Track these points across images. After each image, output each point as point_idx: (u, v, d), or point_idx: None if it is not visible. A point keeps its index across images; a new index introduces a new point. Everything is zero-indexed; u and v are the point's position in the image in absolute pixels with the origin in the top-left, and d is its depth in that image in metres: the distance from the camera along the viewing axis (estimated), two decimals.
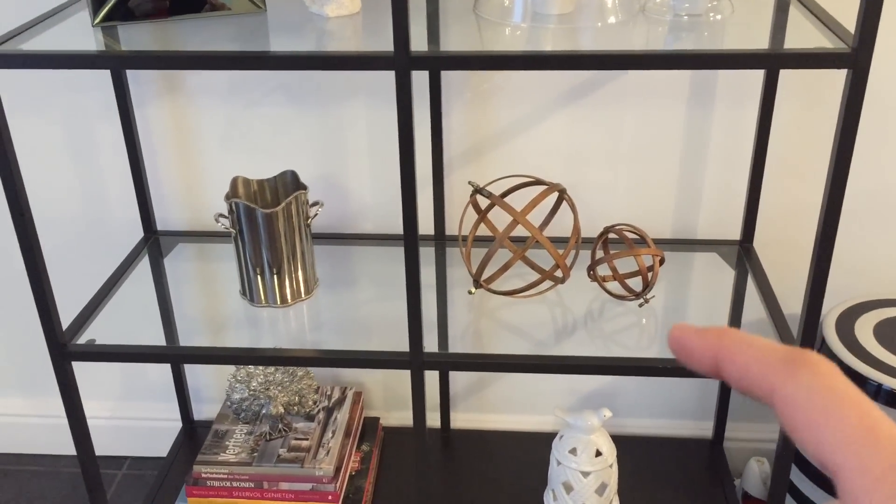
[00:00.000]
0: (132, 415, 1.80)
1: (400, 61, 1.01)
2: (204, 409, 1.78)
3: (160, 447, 1.76)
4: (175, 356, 1.36)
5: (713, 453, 1.66)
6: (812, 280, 1.11)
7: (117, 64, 1.26)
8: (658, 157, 1.46)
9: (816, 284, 1.11)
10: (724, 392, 1.63)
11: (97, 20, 1.15)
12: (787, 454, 1.22)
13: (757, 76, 1.37)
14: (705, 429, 1.70)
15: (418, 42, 1.04)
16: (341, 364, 1.29)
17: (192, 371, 1.74)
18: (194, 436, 1.74)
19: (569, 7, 1.15)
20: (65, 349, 1.25)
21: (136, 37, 1.15)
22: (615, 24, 1.15)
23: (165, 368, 1.73)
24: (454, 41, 1.15)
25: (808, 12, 1.12)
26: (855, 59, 0.97)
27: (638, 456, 1.64)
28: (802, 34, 1.07)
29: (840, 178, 1.03)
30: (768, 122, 1.36)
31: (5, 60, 1.07)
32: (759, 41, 1.11)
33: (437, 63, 1.10)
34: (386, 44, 1.04)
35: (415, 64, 1.02)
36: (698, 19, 1.13)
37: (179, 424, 1.76)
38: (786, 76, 1.35)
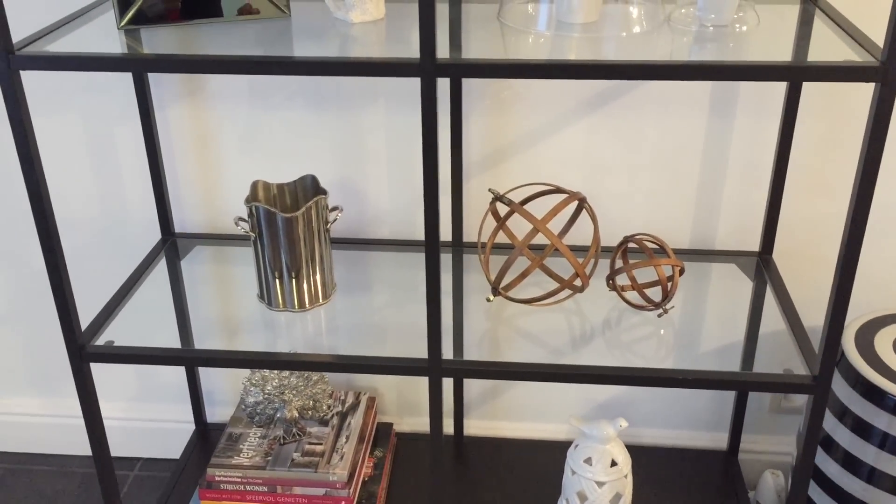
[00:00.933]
0: (145, 416, 1.80)
1: (426, 68, 1.01)
2: (217, 412, 1.78)
3: (173, 449, 1.76)
4: (192, 359, 1.36)
5: (728, 465, 1.66)
6: (835, 293, 1.10)
7: (142, 67, 1.26)
8: (678, 166, 1.46)
9: (840, 298, 1.10)
10: (740, 404, 1.62)
11: (123, 23, 1.15)
12: (806, 468, 1.21)
13: (779, 88, 1.37)
14: (720, 440, 1.69)
15: (441, 48, 1.04)
16: (359, 370, 1.29)
17: (206, 373, 1.74)
18: (207, 438, 1.74)
19: (593, 16, 1.14)
20: (83, 350, 1.25)
21: (160, 40, 1.15)
22: (640, 33, 1.15)
23: (179, 370, 1.73)
24: (477, 48, 1.15)
25: (834, 24, 1.12)
26: (885, 72, 0.96)
27: (653, 466, 1.63)
28: (829, 47, 1.07)
29: (866, 190, 1.03)
30: (790, 133, 1.36)
31: (31, 62, 1.07)
32: (785, 53, 1.10)
33: (463, 70, 1.09)
34: (409, 50, 1.04)
35: (441, 71, 1.02)
36: (724, 30, 1.12)
37: (193, 426, 1.76)
38: (807, 88, 1.35)
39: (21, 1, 1.36)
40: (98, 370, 1.54)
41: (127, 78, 1.44)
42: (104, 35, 1.17)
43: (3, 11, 1.03)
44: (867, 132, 1.00)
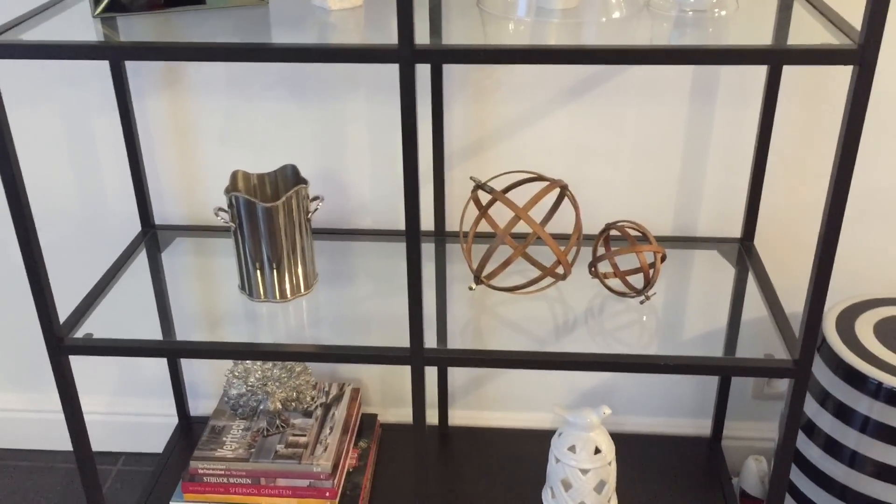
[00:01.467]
0: (128, 410, 1.79)
1: (404, 54, 1.00)
2: (200, 405, 1.77)
3: (156, 443, 1.75)
4: (173, 350, 1.35)
5: (711, 451, 1.66)
6: (815, 278, 1.10)
7: (118, 55, 1.25)
8: (660, 154, 1.46)
9: (819, 283, 1.10)
10: (723, 390, 1.62)
11: (98, 11, 1.14)
12: (787, 452, 1.22)
13: (759, 74, 1.37)
14: (704, 427, 1.70)
15: (421, 35, 1.04)
16: (341, 360, 1.28)
17: (188, 366, 1.73)
18: (190, 432, 1.73)
19: (573, 2, 1.14)
20: (62, 343, 1.24)
21: (136, 28, 1.14)
22: (619, 19, 1.14)
23: (161, 363, 1.72)
24: (457, 35, 1.14)
25: (813, 8, 1.12)
26: (862, 55, 0.96)
27: (636, 454, 1.64)
28: (807, 31, 1.07)
29: (844, 175, 1.03)
30: (770, 120, 1.36)
31: (5, 50, 1.06)
32: (764, 37, 1.10)
33: (442, 56, 1.09)
34: (388, 37, 1.03)
35: (419, 57, 1.01)
36: (703, 15, 1.12)
37: (175, 420, 1.75)
38: (787, 75, 1.35)
39: None
40: (80, 365, 1.52)
41: (104, 68, 1.43)
42: (80, 24, 1.16)
43: None
44: (845, 115, 1.00)
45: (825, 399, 1.37)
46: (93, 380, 1.75)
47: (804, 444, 1.43)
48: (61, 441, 1.77)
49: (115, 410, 1.79)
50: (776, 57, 1.07)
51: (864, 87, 0.98)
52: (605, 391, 1.70)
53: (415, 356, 1.20)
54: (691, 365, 1.20)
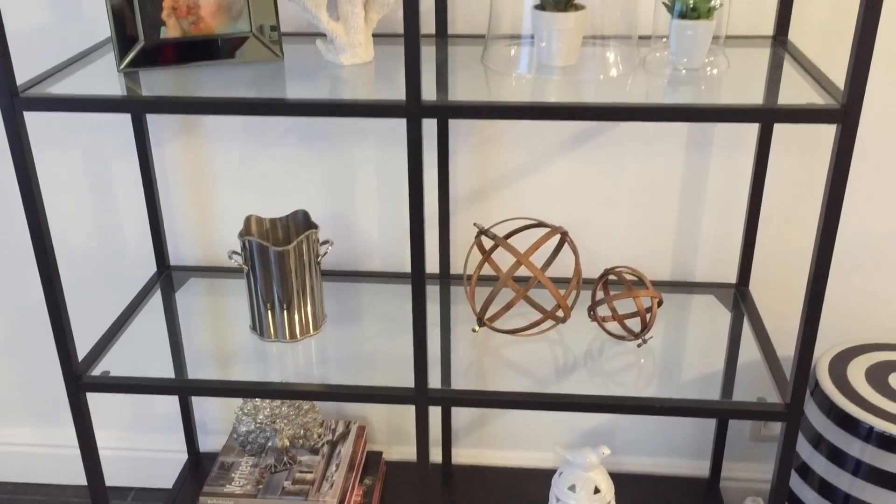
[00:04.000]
0: (139, 446, 1.83)
1: (412, 110, 1.06)
2: (209, 442, 1.81)
3: (166, 478, 1.79)
4: (186, 388, 1.39)
5: (709, 492, 1.69)
6: (804, 324, 1.15)
7: (141, 109, 1.31)
8: (657, 202, 1.51)
9: (808, 328, 1.15)
10: (721, 432, 1.66)
11: (123, 65, 1.20)
12: (781, 494, 1.25)
13: (752, 127, 1.42)
14: (702, 468, 1.73)
15: (428, 90, 1.10)
16: (348, 398, 1.33)
17: (198, 403, 1.78)
18: (200, 467, 1.76)
19: (572, 59, 1.20)
20: (80, 381, 1.28)
21: (158, 81, 1.20)
22: (617, 76, 1.20)
23: (172, 400, 1.76)
24: (462, 90, 1.20)
25: (801, 68, 1.18)
26: (844, 114, 1.02)
27: (636, 494, 1.67)
28: (795, 89, 1.13)
29: (831, 225, 1.08)
30: (763, 170, 1.41)
31: (34, 103, 1.12)
32: (753, 95, 1.16)
33: (448, 112, 1.15)
34: (397, 91, 1.09)
35: (426, 112, 1.07)
36: (696, 73, 1.18)
37: (185, 456, 1.79)
38: (779, 127, 1.40)
39: (26, 43, 1.42)
40: (93, 400, 1.56)
41: (126, 116, 1.49)
42: (104, 77, 1.22)
43: (7, 55, 1.08)
44: (830, 169, 1.05)
45: (819, 442, 1.41)
46: (105, 415, 1.79)
47: (799, 486, 1.46)
48: (74, 476, 1.82)
49: (126, 446, 1.83)
50: (764, 115, 1.13)
51: (847, 143, 1.03)
52: (605, 432, 1.73)
53: (419, 396, 1.24)
54: (686, 407, 1.24)
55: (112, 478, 1.79)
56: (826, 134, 1.41)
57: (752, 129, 1.43)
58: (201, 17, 1.22)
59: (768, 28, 1.35)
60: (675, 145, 1.46)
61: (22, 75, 1.15)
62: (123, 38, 1.19)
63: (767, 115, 1.12)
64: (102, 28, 1.41)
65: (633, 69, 1.22)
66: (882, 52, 1.32)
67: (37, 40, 1.44)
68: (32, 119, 1.50)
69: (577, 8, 1.17)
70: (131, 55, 1.20)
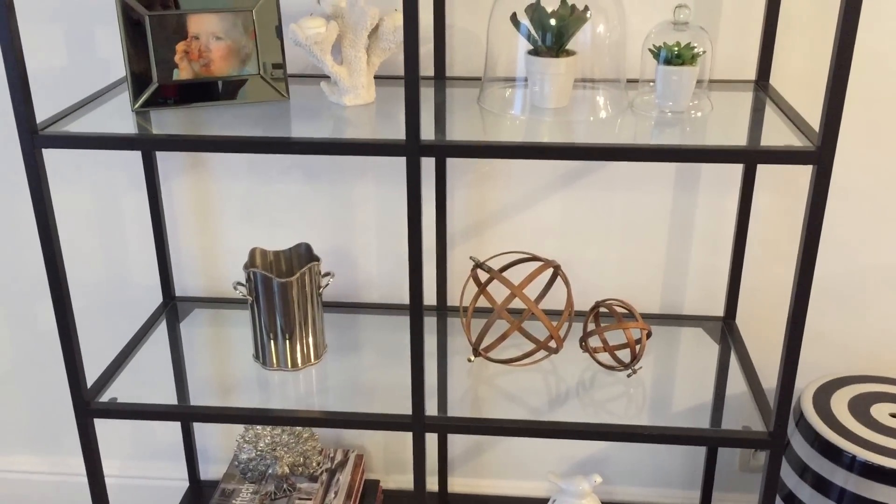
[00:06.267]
0: (141, 473, 1.86)
1: (411, 148, 1.12)
2: (211, 470, 1.84)
3: None
4: (190, 415, 1.43)
5: None
6: (785, 355, 1.20)
7: (154, 146, 1.37)
8: (646, 237, 1.57)
9: (790, 359, 1.19)
10: (710, 462, 1.70)
11: (137, 105, 1.26)
12: None
13: (736, 166, 1.48)
14: (692, 498, 1.76)
15: (427, 130, 1.15)
16: (347, 425, 1.36)
17: (200, 431, 1.81)
18: (201, 495, 1.79)
19: (564, 102, 1.26)
20: (88, 407, 1.33)
21: (168, 120, 1.26)
22: (606, 118, 1.27)
23: (175, 428, 1.80)
24: (459, 130, 1.26)
25: (781, 112, 1.24)
26: (819, 156, 1.08)
27: None
28: (776, 132, 1.19)
29: (809, 259, 1.13)
30: (748, 206, 1.47)
31: (52, 141, 1.18)
32: (734, 137, 1.22)
33: (445, 151, 1.20)
34: (398, 131, 1.15)
35: (424, 151, 1.13)
36: (681, 116, 1.24)
37: (186, 484, 1.82)
38: (763, 166, 1.46)
39: (43, 82, 1.48)
40: (97, 428, 1.60)
41: (136, 152, 1.55)
42: (118, 116, 1.28)
43: (29, 96, 1.14)
44: (807, 208, 1.11)
45: (804, 471, 1.45)
46: (108, 444, 1.81)
47: None
48: (79, 503, 1.84)
49: (128, 473, 1.86)
50: (744, 157, 1.19)
51: (822, 182, 1.09)
52: (597, 461, 1.77)
53: (416, 422, 1.28)
54: (674, 435, 1.28)
55: None
56: (807, 173, 1.47)
57: (736, 169, 1.49)
58: (212, 59, 1.28)
59: (751, 73, 1.41)
60: (663, 183, 1.52)
61: (39, 114, 1.20)
62: (138, 79, 1.25)
63: (747, 157, 1.18)
64: (115, 68, 1.48)
65: (621, 111, 1.28)
66: (862, 95, 1.39)
67: (53, 80, 1.50)
68: (46, 155, 1.56)
69: (569, 53, 1.24)
70: (145, 96, 1.26)
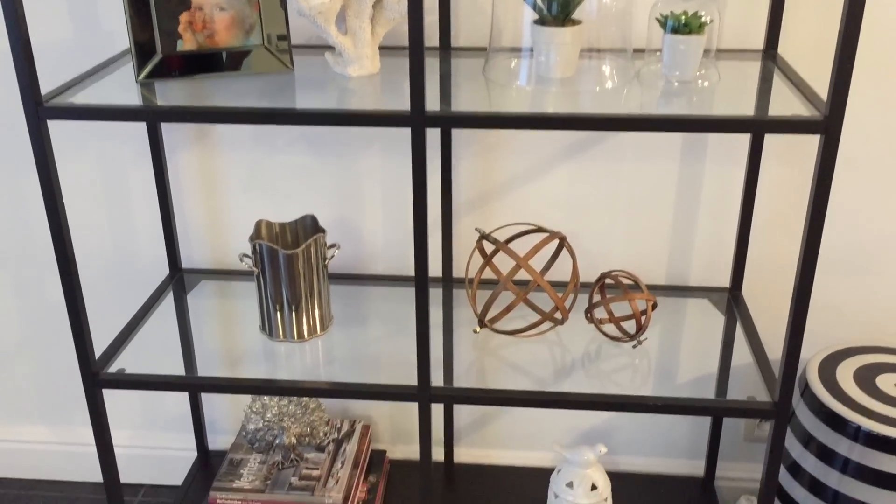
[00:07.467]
0: (149, 444, 1.88)
1: (416, 119, 1.12)
2: (218, 440, 1.86)
3: (175, 475, 1.84)
4: (198, 385, 1.44)
5: (704, 491, 1.74)
6: (791, 325, 1.20)
7: (158, 118, 1.37)
8: (653, 208, 1.56)
9: (795, 329, 1.19)
10: (715, 432, 1.70)
11: (141, 77, 1.26)
12: (771, 489, 1.30)
13: (743, 136, 1.47)
14: (697, 467, 1.77)
15: (432, 101, 1.15)
16: (353, 396, 1.37)
17: (208, 402, 1.83)
18: (208, 465, 1.81)
19: (570, 72, 1.25)
20: (97, 377, 1.34)
21: (173, 92, 1.26)
22: (612, 88, 1.26)
23: (183, 399, 1.81)
24: (465, 100, 1.26)
25: (789, 81, 1.23)
26: (826, 125, 1.07)
27: (632, 492, 1.71)
28: (784, 101, 1.18)
29: (816, 230, 1.13)
30: (755, 177, 1.46)
31: (57, 112, 1.18)
32: (742, 106, 1.21)
33: (450, 122, 1.20)
34: (403, 102, 1.14)
35: (429, 122, 1.12)
36: (688, 86, 1.23)
37: (195, 454, 1.84)
38: (771, 136, 1.46)
39: (47, 54, 1.47)
40: (106, 399, 1.62)
41: (141, 124, 1.55)
42: (122, 87, 1.28)
43: (33, 68, 1.14)
44: (814, 178, 1.10)
45: (809, 441, 1.45)
46: (117, 415, 1.83)
47: (790, 484, 1.50)
48: (87, 473, 1.87)
49: (137, 444, 1.88)
50: (750, 126, 1.18)
51: (829, 152, 1.08)
52: (602, 431, 1.78)
53: (422, 393, 1.29)
54: (679, 405, 1.29)
55: (124, 475, 1.83)
56: (814, 142, 1.46)
57: (743, 139, 1.48)
58: (216, 30, 1.27)
59: (759, 42, 1.40)
60: (669, 154, 1.52)
61: (44, 86, 1.20)
62: (142, 50, 1.25)
63: (753, 126, 1.18)
64: (119, 40, 1.47)
65: (627, 81, 1.27)
66: (872, 65, 1.38)
67: (57, 52, 1.50)
68: (52, 127, 1.56)
69: (575, 23, 1.23)
70: (149, 67, 1.26)
